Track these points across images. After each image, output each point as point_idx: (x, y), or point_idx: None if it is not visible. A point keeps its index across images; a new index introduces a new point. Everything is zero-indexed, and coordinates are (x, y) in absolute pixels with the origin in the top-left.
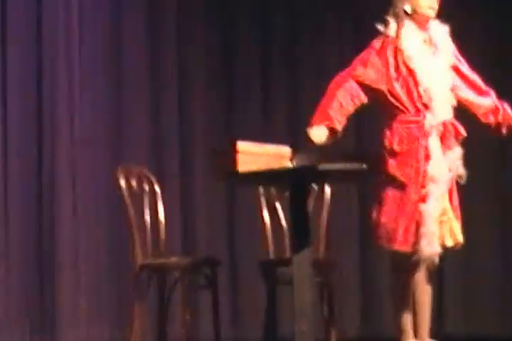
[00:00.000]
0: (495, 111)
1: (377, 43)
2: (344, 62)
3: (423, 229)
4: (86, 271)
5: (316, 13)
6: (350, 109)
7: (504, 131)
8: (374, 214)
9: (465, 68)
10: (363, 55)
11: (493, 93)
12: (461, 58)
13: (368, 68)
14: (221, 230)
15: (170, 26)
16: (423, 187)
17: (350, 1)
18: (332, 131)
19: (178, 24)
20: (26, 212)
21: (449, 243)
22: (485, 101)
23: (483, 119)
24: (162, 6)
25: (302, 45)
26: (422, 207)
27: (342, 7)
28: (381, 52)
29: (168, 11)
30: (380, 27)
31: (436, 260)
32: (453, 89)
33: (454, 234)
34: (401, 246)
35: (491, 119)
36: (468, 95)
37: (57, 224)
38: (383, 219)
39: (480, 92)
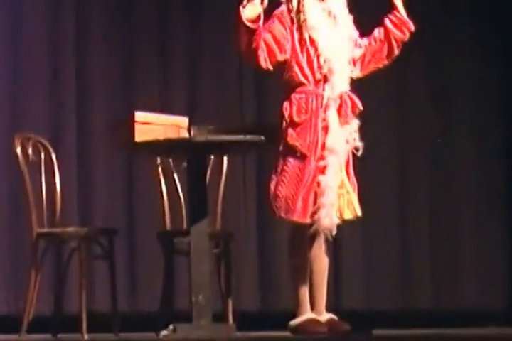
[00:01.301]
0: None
1: (279, 13)
2: None
3: (322, 200)
4: None
5: None
6: None
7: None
8: (272, 185)
9: (363, 41)
10: (267, 23)
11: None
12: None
13: (273, 35)
14: (119, 200)
15: None
16: (322, 158)
17: None
18: None
19: None
20: None
21: (348, 216)
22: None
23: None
24: None
25: (201, 10)
26: (321, 178)
27: None
28: (284, 22)
29: None
30: None
31: (335, 231)
32: (353, 62)
33: (353, 207)
34: (300, 216)
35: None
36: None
37: None
38: (282, 190)
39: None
